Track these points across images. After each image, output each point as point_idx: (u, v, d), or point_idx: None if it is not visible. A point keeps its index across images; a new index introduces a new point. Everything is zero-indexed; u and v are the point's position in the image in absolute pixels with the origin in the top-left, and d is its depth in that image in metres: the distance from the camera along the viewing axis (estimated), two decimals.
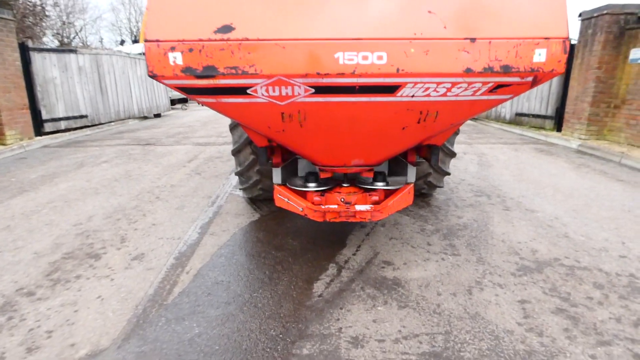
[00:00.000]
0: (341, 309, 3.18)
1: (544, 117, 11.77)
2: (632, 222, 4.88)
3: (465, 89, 2.68)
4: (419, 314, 3.10)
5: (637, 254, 4.07)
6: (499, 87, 2.69)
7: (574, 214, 5.14)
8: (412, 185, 3.83)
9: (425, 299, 3.30)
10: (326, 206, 3.53)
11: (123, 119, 14.91)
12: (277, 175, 3.78)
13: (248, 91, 2.67)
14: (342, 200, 3.57)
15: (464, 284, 3.51)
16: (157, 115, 17.70)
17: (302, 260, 3.95)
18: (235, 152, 4.86)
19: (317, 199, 3.69)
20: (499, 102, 2.86)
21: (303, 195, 3.74)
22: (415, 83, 2.64)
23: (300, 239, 4.45)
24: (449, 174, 5.15)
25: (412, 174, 3.83)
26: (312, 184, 3.69)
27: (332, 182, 3.71)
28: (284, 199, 3.72)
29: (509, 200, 5.63)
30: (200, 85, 2.64)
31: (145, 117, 16.67)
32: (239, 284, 3.55)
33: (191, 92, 2.70)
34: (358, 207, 3.50)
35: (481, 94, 2.73)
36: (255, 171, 4.92)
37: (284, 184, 3.81)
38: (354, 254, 4.07)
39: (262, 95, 2.68)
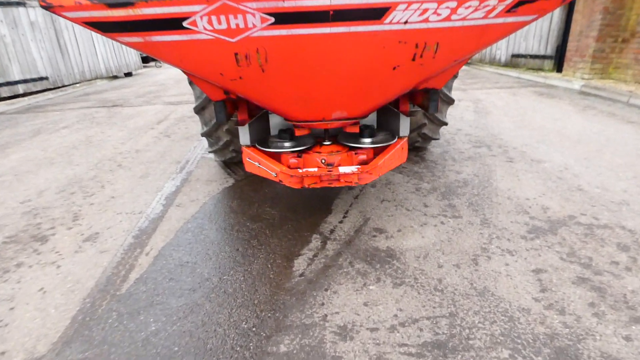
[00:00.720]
0: (326, 290, 2.69)
1: (543, 57, 10.98)
2: None
3: (476, 9, 2.01)
4: (417, 293, 2.62)
5: None
6: (520, 3, 2.02)
7: (586, 162, 4.63)
8: (405, 139, 3.23)
9: (424, 273, 2.82)
10: (304, 169, 2.93)
11: (90, 80, 13.75)
12: (244, 135, 3.14)
13: (184, 24, 1.97)
14: (323, 161, 2.96)
15: (468, 253, 3.03)
16: (128, 74, 16.45)
17: (281, 233, 3.42)
18: (199, 110, 4.16)
19: (293, 161, 3.08)
20: (517, 27, 2.20)
21: (277, 157, 3.13)
22: (409, 3, 1.96)
23: (279, 206, 3.90)
24: (446, 123, 4.53)
25: (405, 126, 3.21)
26: (286, 144, 3.06)
27: (310, 141, 3.09)
28: (254, 163, 3.11)
29: (511, 151, 5.07)
30: (117, 18, 1.93)
31: (115, 77, 15.46)
32: (206, 265, 3.03)
33: (106, 29, 1.98)
34: (342, 169, 2.91)
35: (496, 15, 2.07)
36: (224, 131, 4.25)
37: (253, 145, 3.18)
38: (340, 222, 3.54)
39: (205, 29, 1.99)
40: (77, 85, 12.97)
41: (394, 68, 2.30)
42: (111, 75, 15.08)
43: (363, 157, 3.10)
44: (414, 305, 2.53)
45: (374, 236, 3.30)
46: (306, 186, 2.92)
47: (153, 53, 2.16)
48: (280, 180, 2.98)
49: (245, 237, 3.39)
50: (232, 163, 5.05)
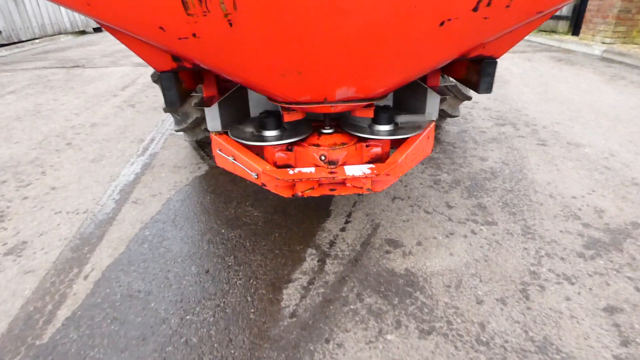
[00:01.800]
0: (327, 342, 1.94)
1: (558, 17, 9.96)
2: None
3: None
4: (454, 347, 1.89)
5: None
6: None
7: (633, 147, 3.86)
8: (433, 125, 2.39)
9: (459, 313, 2.08)
10: (296, 170, 2.09)
11: (52, 35, 12.23)
12: (212, 119, 2.26)
13: None
14: (323, 158, 2.12)
15: (513, 279, 2.29)
16: (98, 30, 14.81)
17: (265, 245, 2.62)
18: (158, 78, 3.21)
19: (281, 156, 2.23)
20: None
21: (259, 150, 2.27)
22: None
23: (263, 205, 3.08)
24: (469, 98, 3.68)
25: (434, 106, 2.36)
26: (271, 133, 2.19)
27: (305, 129, 2.22)
28: (227, 157, 2.25)
29: (542, 130, 4.27)
30: None
31: (82, 32, 13.86)
32: (165, 296, 2.24)
33: None
34: (350, 170, 2.08)
35: None
36: (193, 106, 3.32)
37: (225, 131, 2.31)
38: (342, 229, 2.75)
39: None
40: (37, 41, 11.50)
41: (442, 23, 1.42)
42: (77, 30, 13.52)
43: (377, 149, 2.25)
44: None
45: (387, 252, 2.53)
46: (299, 194, 2.09)
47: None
48: (263, 184, 2.13)
49: (219, 251, 2.58)
50: (206, 144, 4.15)
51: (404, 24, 1.40)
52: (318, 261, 2.46)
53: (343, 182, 2.11)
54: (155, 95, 6.01)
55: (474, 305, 2.12)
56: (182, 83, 1.82)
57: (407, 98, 2.51)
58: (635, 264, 2.39)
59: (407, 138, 2.20)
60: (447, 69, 2.18)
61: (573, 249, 2.52)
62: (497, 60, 1.82)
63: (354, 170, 2.06)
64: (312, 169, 2.08)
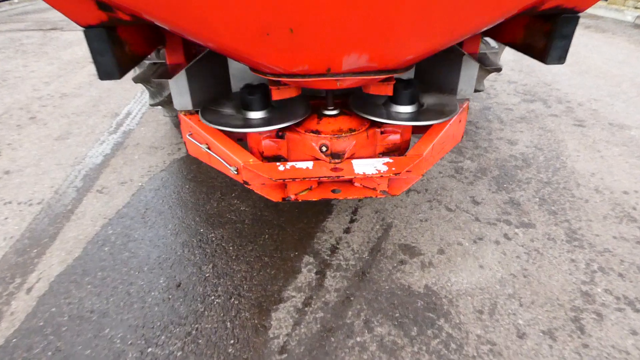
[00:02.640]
0: None
1: None
2: None
3: None
4: None
5: None
6: None
7: None
8: (467, 104, 1.85)
9: (496, 351, 1.62)
10: (288, 165, 1.57)
11: None
12: (179, 93, 1.72)
13: None
14: (324, 149, 1.59)
15: (562, 304, 1.82)
16: None
17: (252, 251, 2.14)
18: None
19: (268, 144, 1.70)
20: None
21: (242, 135, 1.75)
22: None
23: (253, 198, 2.57)
24: (500, 69, 3.09)
25: (470, 79, 1.81)
26: (255, 114, 1.65)
27: (301, 108, 1.68)
28: (200, 145, 1.72)
29: (577, 109, 3.70)
30: None
31: None
32: (123, 319, 1.78)
33: None
34: (359, 166, 1.56)
35: None
36: (153, 77, 2.75)
37: (196, 111, 1.77)
38: (346, 231, 2.26)
39: None
40: (16, 0, 10.64)
41: None
42: None
43: (395, 138, 1.72)
44: None
45: (402, 262, 2.05)
46: (292, 197, 1.59)
47: None
48: (245, 182, 1.62)
49: (195, 258, 2.10)
50: None
51: None
52: (316, 273, 1.99)
53: (350, 182, 1.60)
54: None
55: (515, 340, 1.66)
56: (124, 45, 1.27)
57: (434, 68, 1.95)
58: None
59: (436, 124, 1.66)
60: (493, 29, 1.61)
61: (632, 262, 2.03)
62: (579, 14, 1.26)
63: (364, 167, 1.54)
64: (310, 164, 1.56)
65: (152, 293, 1.91)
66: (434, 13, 1.08)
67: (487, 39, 1.86)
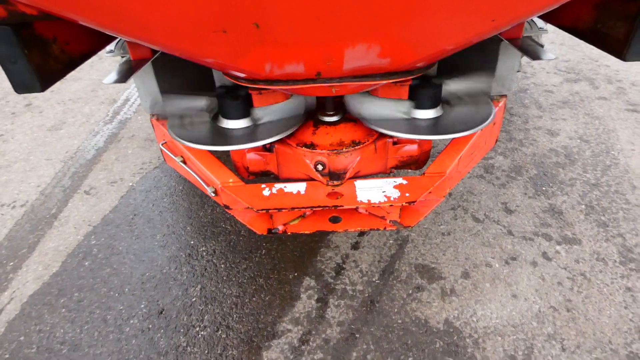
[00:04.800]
0: None
1: None
2: None
3: None
4: None
5: None
6: None
7: None
8: (504, 103, 1.47)
9: None
10: (275, 187, 1.26)
11: None
12: (148, 93, 1.42)
13: None
14: (320, 167, 1.26)
15: (615, 348, 1.48)
16: None
17: (246, 270, 1.87)
18: None
19: (253, 157, 1.39)
20: None
21: (223, 154, 1.43)
22: None
23: None
24: (552, 58, 2.62)
25: (510, 69, 1.42)
26: (234, 124, 1.32)
27: (293, 118, 1.34)
28: (175, 157, 1.43)
29: (630, 90, 3.18)
30: None
31: None
32: (95, 356, 1.56)
33: None
34: (363, 192, 1.23)
35: None
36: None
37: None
38: (354, 247, 1.95)
39: None
40: None
41: None
42: None
43: (412, 148, 1.37)
44: None
45: (419, 288, 1.74)
46: (279, 230, 1.29)
47: None
48: (225, 206, 1.33)
49: (182, 277, 1.86)
50: None
51: None
52: (317, 301, 1.71)
53: (356, 210, 1.28)
54: None
55: None
56: (49, 44, 0.96)
57: (462, 57, 1.55)
58: None
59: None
60: (562, 16, 1.19)
61: None
62: None
63: (370, 192, 1.21)
64: (302, 187, 1.25)
65: (131, 321, 1.69)
66: (458, 11, 0.72)
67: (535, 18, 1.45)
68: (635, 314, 1.59)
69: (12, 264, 2.01)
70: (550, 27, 1.55)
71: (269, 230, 1.31)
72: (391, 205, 1.20)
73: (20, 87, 0.92)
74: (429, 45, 0.89)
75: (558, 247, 1.89)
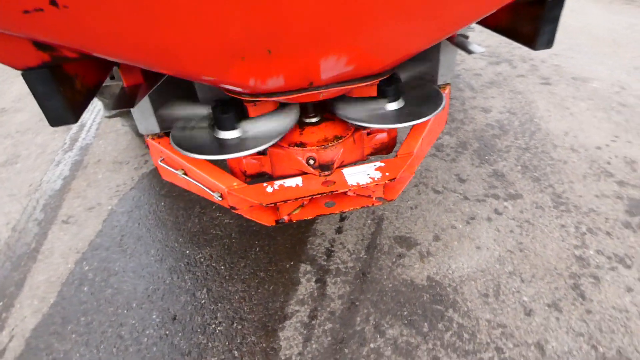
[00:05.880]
0: None
1: None
2: None
3: None
4: None
5: None
6: None
7: None
8: (449, 90, 1.78)
9: (508, 333, 1.64)
10: (276, 184, 1.46)
11: None
12: (143, 116, 1.55)
13: None
14: (311, 162, 1.48)
15: (560, 272, 1.86)
16: None
17: (246, 268, 2.04)
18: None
19: (249, 161, 1.57)
20: None
21: (219, 161, 1.60)
22: None
23: None
24: (482, 51, 3.02)
25: (450, 63, 1.73)
26: (230, 134, 1.50)
27: (283, 124, 1.53)
28: (176, 171, 1.57)
29: (541, 66, 3.73)
30: None
31: None
32: None
33: None
34: (351, 176, 1.47)
35: None
36: (112, 106, 2.50)
37: (165, 133, 1.61)
38: (338, 231, 2.19)
39: None
40: None
41: None
42: None
43: (382, 137, 1.64)
44: None
45: (400, 256, 2.01)
46: (285, 220, 1.49)
47: None
48: (232, 207, 1.50)
49: (186, 285, 1.98)
50: None
51: None
52: (316, 282, 1.93)
53: (343, 192, 1.51)
54: None
55: (523, 318, 1.68)
56: (73, 80, 1.09)
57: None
58: None
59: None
60: (486, 19, 1.50)
61: (617, 218, 2.10)
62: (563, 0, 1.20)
63: (357, 176, 1.45)
64: (299, 180, 1.46)
65: (147, 331, 1.79)
66: (420, 15, 0.97)
67: None
68: (570, 243, 1.99)
69: (1, 303, 2.00)
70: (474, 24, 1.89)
71: (277, 221, 1.51)
72: (376, 185, 1.45)
73: (55, 120, 1.04)
74: (397, 53, 1.14)
75: (505, 203, 2.26)
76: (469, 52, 1.55)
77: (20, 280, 2.11)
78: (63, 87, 1.02)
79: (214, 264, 2.07)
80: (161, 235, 2.29)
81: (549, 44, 1.26)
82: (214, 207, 2.45)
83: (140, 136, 3.29)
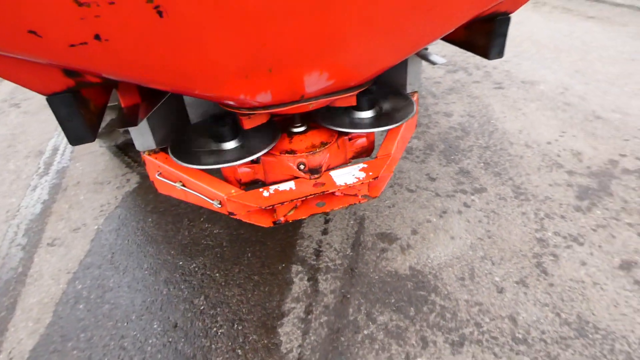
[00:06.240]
0: None
1: None
2: None
3: None
4: (494, 356, 1.66)
5: None
6: None
7: (581, 77, 3.83)
8: (417, 97, 1.99)
9: (484, 309, 1.84)
10: (272, 189, 1.60)
11: None
12: (141, 134, 1.64)
13: None
14: (302, 167, 1.63)
15: (525, 254, 2.09)
16: None
17: (240, 273, 2.14)
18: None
19: (244, 171, 1.71)
20: None
21: (214, 170, 1.72)
22: None
23: (223, 218, 2.53)
24: (443, 62, 3.30)
25: (416, 74, 1.95)
26: (228, 145, 1.63)
27: (272, 134, 1.68)
28: (174, 183, 1.67)
29: (494, 72, 4.08)
30: None
31: None
32: None
33: None
34: (339, 177, 1.63)
35: None
36: (112, 125, 2.58)
37: (162, 148, 1.71)
38: (324, 232, 2.34)
39: None
40: None
41: None
42: None
43: (362, 141, 1.82)
44: None
45: (384, 250, 2.19)
46: (282, 220, 1.62)
47: None
48: (230, 213, 1.62)
49: (184, 294, 2.06)
50: (129, 145, 3.37)
51: None
52: (309, 280, 2.06)
53: (332, 193, 1.67)
54: None
55: (496, 296, 1.89)
56: (88, 103, 1.19)
57: None
58: (628, 207, 2.32)
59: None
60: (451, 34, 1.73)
61: (569, 203, 2.38)
62: (510, 17, 1.43)
63: (344, 177, 1.62)
64: (292, 184, 1.60)
65: (150, 340, 1.85)
66: (399, 32, 1.16)
67: None
68: (531, 228, 2.24)
69: None
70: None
71: (274, 222, 1.64)
72: (361, 184, 1.62)
73: (76, 139, 1.14)
74: (374, 67, 1.33)
75: (472, 197, 2.50)
76: (432, 63, 1.78)
77: (11, 304, 2.11)
78: (82, 109, 1.13)
79: (208, 272, 2.16)
80: (152, 249, 2.35)
81: (500, 54, 1.49)
82: (202, 219, 2.54)
83: (118, 154, 3.32)
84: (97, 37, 0.81)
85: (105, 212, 2.69)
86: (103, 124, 2.77)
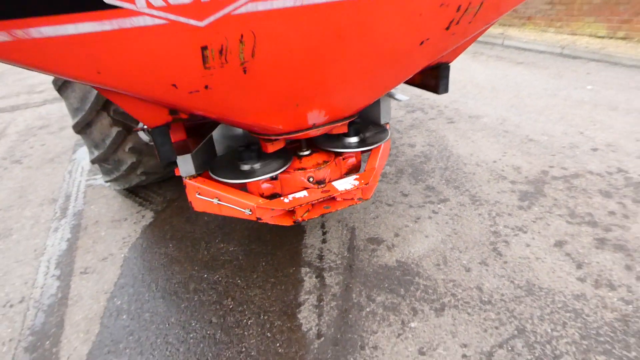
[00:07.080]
0: (363, 348, 2.03)
1: None
2: (567, 107, 4.66)
3: None
4: (468, 314, 2.16)
5: (601, 142, 3.78)
6: None
7: (515, 110, 4.69)
8: (388, 126, 2.62)
9: (458, 284, 2.36)
10: (290, 197, 2.11)
11: None
12: (185, 163, 2.13)
13: None
14: (311, 179, 2.18)
15: (484, 243, 2.66)
16: None
17: (258, 278, 2.57)
18: (83, 127, 2.87)
19: (267, 186, 2.22)
20: None
21: (241, 185, 2.22)
22: None
23: (235, 239, 2.98)
24: (406, 99, 4.04)
25: (387, 109, 2.59)
26: (256, 165, 2.16)
27: (287, 156, 2.23)
28: (211, 200, 2.15)
29: (445, 110, 4.90)
30: None
31: None
32: None
33: None
34: (340, 185, 2.18)
35: None
36: (128, 150, 3.04)
37: (199, 174, 2.20)
38: (323, 241, 2.83)
39: (149, 5, 1.01)
40: None
41: (422, 42, 1.62)
42: None
43: (352, 160, 2.40)
44: (474, 332, 2.05)
45: (374, 250, 2.70)
46: (299, 220, 2.12)
47: (36, 62, 1.07)
48: (258, 218, 2.11)
49: (213, 298, 2.45)
50: (140, 188, 3.78)
51: (395, 47, 1.56)
52: (316, 277, 2.52)
53: (333, 198, 2.20)
54: (43, 144, 5.19)
55: (465, 273, 2.43)
56: (169, 133, 1.70)
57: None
58: (558, 203, 2.98)
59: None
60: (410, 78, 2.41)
61: (513, 204, 3.02)
62: (449, 65, 2.11)
63: (344, 185, 2.17)
64: (305, 193, 2.13)
65: (191, 335, 2.22)
66: (385, 79, 1.79)
67: None
68: (486, 224, 2.83)
69: (47, 342, 2.29)
70: None
71: (294, 222, 2.13)
72: (357, 189, 2.17)
73: (166, 159, 1.63)
74: (359, 103, 1.93)
75: (439, 205, 3.09)
76: (397, 100, 2.42)
77: (58, 322, 2.41)
78: (170, 138, 1.64)
79: (231, 280, 2.57)
80: (177, 268, 2.74)
81: (446, 90, 2.14)
82: (217, 240, 2.97)
83: (129, 196, 3.72)
84: (206, 87, 1.34)
85: (128, 243, 3.06)
86: (124, 167, 3.19)
